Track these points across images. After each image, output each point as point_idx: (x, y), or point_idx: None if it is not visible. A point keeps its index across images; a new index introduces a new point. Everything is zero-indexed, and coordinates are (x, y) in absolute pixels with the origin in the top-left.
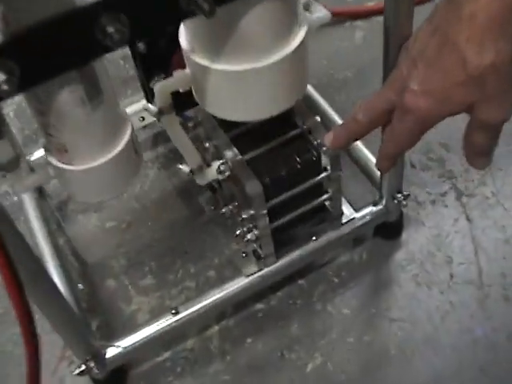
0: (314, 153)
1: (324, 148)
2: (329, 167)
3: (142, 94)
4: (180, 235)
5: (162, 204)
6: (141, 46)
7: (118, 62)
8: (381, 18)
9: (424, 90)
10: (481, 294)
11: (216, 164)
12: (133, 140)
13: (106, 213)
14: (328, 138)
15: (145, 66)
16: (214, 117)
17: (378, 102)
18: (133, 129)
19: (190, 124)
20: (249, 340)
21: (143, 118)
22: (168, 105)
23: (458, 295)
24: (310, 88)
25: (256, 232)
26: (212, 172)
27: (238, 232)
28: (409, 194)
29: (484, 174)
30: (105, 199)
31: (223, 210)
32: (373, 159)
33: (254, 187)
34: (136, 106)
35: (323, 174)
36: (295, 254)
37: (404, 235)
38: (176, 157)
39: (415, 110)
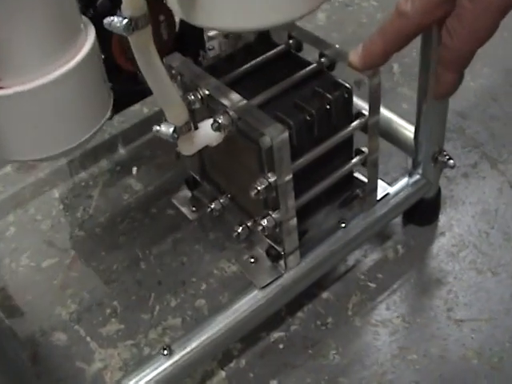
0: (347, 85)
1: (359, 79)
2: (365, 111)
3: None
4: (147, 262)
5: (116, 227)
6: None
7: None
8: None
9: None
10: None
11: (209, 121)
12: (97, 53)
13: (39, 249)
14: (355, 54)
15: None
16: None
17: None
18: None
19: None
20: (273, 383)
21: None
22: (142, 15)
23: None
24: None
25: (276, 215)
26: (204, 132)
27: (240, 229)
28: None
29: None
30: (54, 154)
31: (212, 206)
32: (397, 119)
33: (276, 133)
34: None
35: (358, 121)
36: (322, 250)
37: (442, 218)
38: (123, 170)
39: None
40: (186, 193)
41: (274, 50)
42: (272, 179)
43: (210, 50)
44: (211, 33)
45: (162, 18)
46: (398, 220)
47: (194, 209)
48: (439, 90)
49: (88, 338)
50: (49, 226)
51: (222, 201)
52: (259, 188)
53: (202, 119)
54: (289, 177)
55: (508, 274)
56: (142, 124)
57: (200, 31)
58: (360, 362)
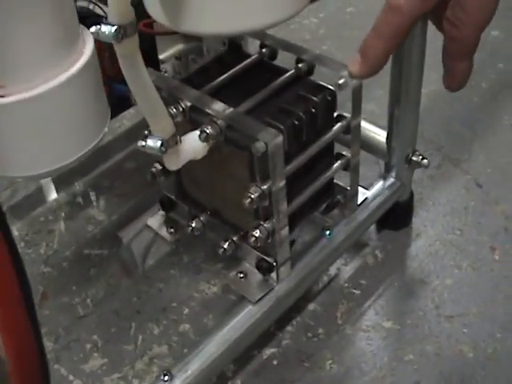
0: (330, 87)
1: (341, 81)
2: (348, 115)
3: None
4: (122, 292)
5: (84, 259)
6: None
7: None
8: None
9: None
10: None
11: (195, 133)
12: (96, 59)
13: None
14: (355, 63)
15: None
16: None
17: None
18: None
19: None
20: None
21: None
22: (130, 22)
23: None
24: None
25: (268, 224)
26: (190, 145)
27: (226, 244)
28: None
29: (472, 137)
30: (54, 168)
31: (193, 225)
32: (366, 125)
33: (270, 138)
34: None
35: (340, 123)
36: (310, 258)
37: (415, 221)
38: (84, 202)
39: None
40: (160, 216)
41: (249, 60)
42: (265, 186)
43: (164, 72)
44: (163, 55)
45: None
46: (372, 226)
47: (171, 230)
48: (454, 81)
49: (71, 377)
50: None
51: (202, 218)
52: (253, 196)
53: (183, 133)
54: (282, 183)
55: (487, 267)
56: (97, 154)
57: (154, 51)
58: (358, 369)
